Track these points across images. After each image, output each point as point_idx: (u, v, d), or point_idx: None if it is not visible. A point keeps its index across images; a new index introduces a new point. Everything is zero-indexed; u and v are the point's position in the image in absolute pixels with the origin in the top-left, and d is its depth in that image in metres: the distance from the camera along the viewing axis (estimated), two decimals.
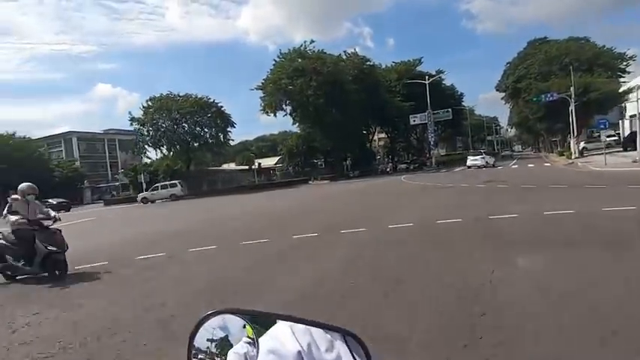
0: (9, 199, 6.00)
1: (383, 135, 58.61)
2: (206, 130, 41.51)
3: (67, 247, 5.83)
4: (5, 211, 5.93)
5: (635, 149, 23.81)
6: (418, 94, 41.28)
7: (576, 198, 9.10)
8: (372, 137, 52.89)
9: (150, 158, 43.44)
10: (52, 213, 6.24)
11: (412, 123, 41.10)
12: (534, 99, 32.69)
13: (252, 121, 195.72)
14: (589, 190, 10.17)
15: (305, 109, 40.11)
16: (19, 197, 5.90)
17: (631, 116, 26.01)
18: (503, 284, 3.71)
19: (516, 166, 28.60)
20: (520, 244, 5.37)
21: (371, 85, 42.73)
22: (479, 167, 28.96)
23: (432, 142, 40.45)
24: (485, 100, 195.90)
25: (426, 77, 41.21)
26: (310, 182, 36.22)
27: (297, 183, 37.04)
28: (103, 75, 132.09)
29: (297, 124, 44.96)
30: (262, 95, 41.17)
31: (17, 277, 5.91)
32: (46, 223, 5.94)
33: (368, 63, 45.42)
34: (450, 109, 40.36)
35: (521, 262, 4.47)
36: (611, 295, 3.22)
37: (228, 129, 42.79)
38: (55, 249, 5.63)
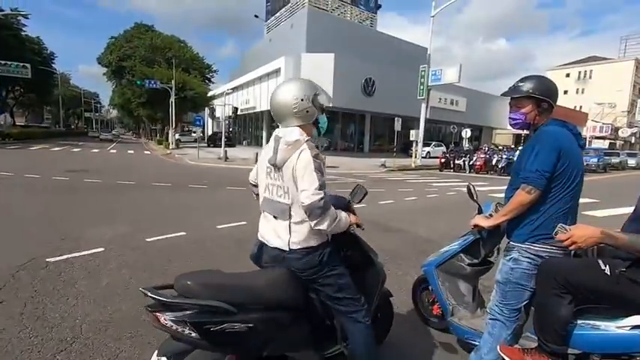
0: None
1: None
2: None
3: None
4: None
5: (216, 146, 28.38)
6: None
7: (186, 205, 7.52)
8: None
9: None
10: None
11: None
12: (138, 82, 30.84)
13: None
14: (193, 194, 9.03)
15: None
16: None
17: (217, 117, 30.67)
18: None
19: (115, 150, 25.31)
20: None
21: None
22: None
23: None
24: (88, 73, 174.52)
25: None
26: None
27: None
28: None
29: None
30: None
31: None
32: None
33: None
34: (29, 65, 29.58)
35: None
36: None
37: None
38: None
